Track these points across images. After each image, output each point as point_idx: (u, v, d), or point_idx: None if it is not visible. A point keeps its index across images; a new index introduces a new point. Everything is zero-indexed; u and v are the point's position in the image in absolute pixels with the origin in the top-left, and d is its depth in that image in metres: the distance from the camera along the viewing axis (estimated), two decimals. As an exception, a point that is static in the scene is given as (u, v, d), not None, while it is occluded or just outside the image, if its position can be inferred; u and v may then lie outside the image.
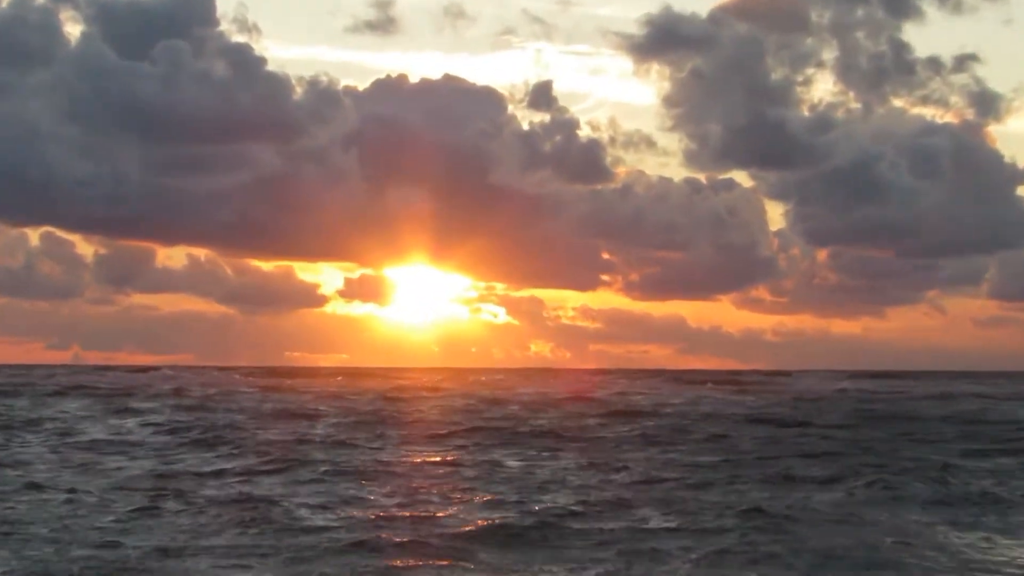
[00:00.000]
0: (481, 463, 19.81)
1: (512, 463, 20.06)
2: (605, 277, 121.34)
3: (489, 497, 15.19)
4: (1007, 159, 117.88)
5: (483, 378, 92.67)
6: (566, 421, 32.07)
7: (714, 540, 11.68)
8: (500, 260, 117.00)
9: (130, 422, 29.80)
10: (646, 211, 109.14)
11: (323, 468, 18.64)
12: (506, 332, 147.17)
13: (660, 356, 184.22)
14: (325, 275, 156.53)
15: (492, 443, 23.82)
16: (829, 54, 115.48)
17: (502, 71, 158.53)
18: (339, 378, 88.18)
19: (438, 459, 20.46)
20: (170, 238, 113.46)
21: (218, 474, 17.79)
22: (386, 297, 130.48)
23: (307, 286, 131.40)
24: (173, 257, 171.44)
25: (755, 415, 35.23)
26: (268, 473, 17.96)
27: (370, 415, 32.40)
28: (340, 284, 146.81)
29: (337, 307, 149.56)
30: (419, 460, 20.39)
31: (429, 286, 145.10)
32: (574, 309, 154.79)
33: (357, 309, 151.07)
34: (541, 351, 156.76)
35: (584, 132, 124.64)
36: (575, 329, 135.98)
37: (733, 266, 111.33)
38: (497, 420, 31.30)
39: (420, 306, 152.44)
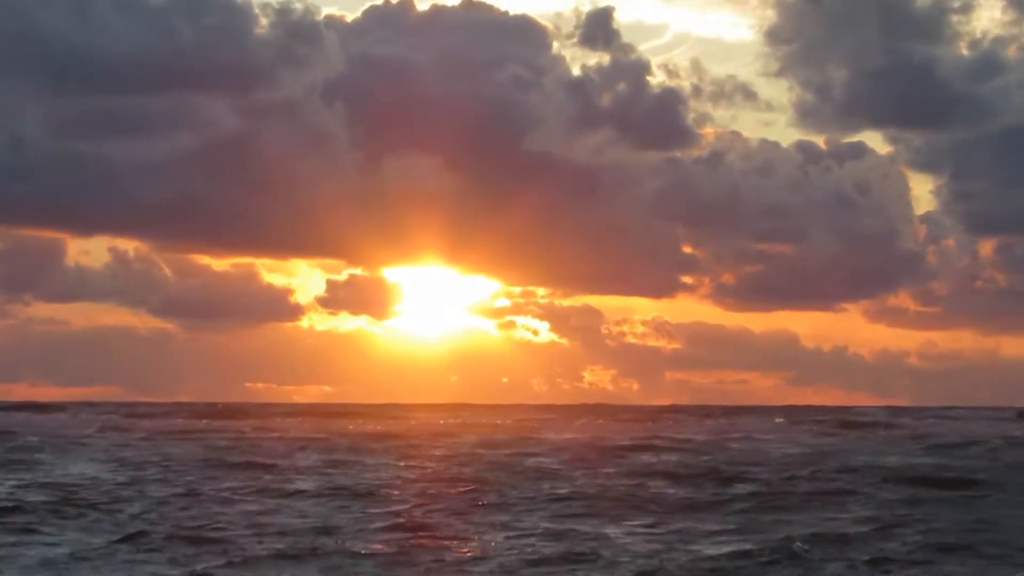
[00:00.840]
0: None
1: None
2: (687, 279, 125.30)
3: None
4: None
5: (514, 420, 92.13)
6: (626, 483, 30.97)
7: None
8: (542, 257, 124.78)
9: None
10: (743, 188, 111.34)
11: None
12: (550, 355, 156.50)
13: (763, 388, 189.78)
14: (301, 277, 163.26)
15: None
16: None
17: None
18: (309, 422, 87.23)
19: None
20: (85, 226, 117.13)
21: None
22: (384, 308, 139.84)
23: (275, 292, 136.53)
24: (90, 252, 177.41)
25: (927, 475, 33.49)
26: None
27: (349, 492, 28.65)
28: (321, 289, 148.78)
29: (316, 321, 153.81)
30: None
31: (443, 293, 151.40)
32: (644, 323, 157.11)
33: (344, 323, 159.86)
34: (598, 381, 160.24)
35: (657, 79, 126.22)
36: (645, 351, 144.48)
37: (864, 264, 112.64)
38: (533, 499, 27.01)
39: (431, 320, 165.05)
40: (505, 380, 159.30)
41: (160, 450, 44.72)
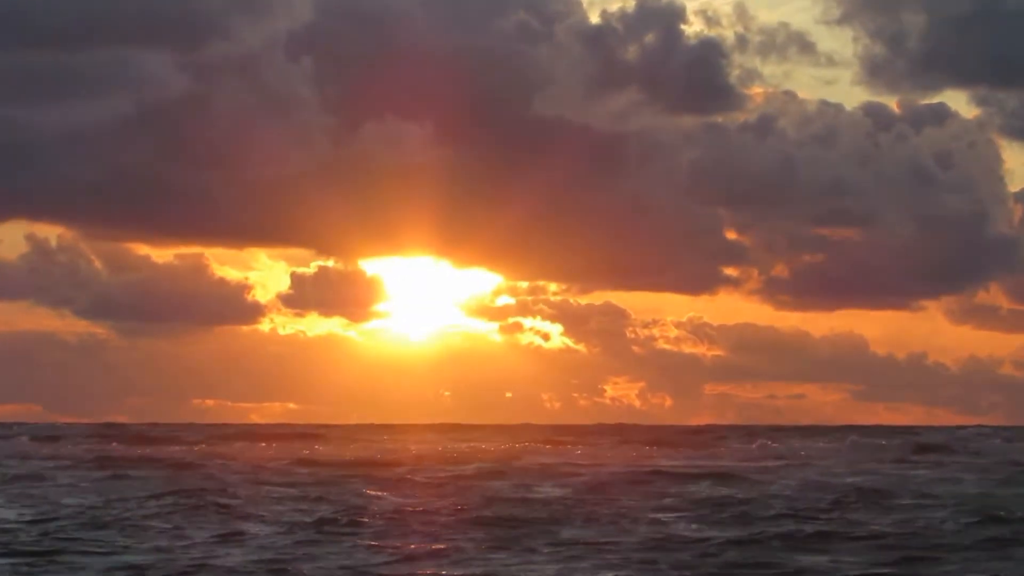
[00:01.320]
0: None
1: None
2: (730, 271, 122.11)
3: None
4: None
5: (522, 444, 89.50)
6: (688, 533, 28.86)
7: None
8: (554, 245, 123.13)
9: None
10: (799, 160, 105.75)
11: None
12: (564, 364, 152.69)
13: (823, 404, 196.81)
14: (260, 270, 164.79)
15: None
16: None
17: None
18: (263, 444, 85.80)
19: None
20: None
21: None
22: (361, 308, 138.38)
23: (229, 289, 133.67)
24: (3, 240, 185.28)
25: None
26: None
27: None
28: (284, 285, 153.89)
29: (279, 323, 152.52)
30: None
31: (434, 290, 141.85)
32: (678, 325, 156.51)
33: (313, 327, 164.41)
34: (623, 395, 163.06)
35: (694, 28, 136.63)
36: (680, 359, 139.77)
37: (946, 252, 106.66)
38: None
39: (418, 323, 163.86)
40: (509, 395, 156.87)
41: (77, 483, 42.93)
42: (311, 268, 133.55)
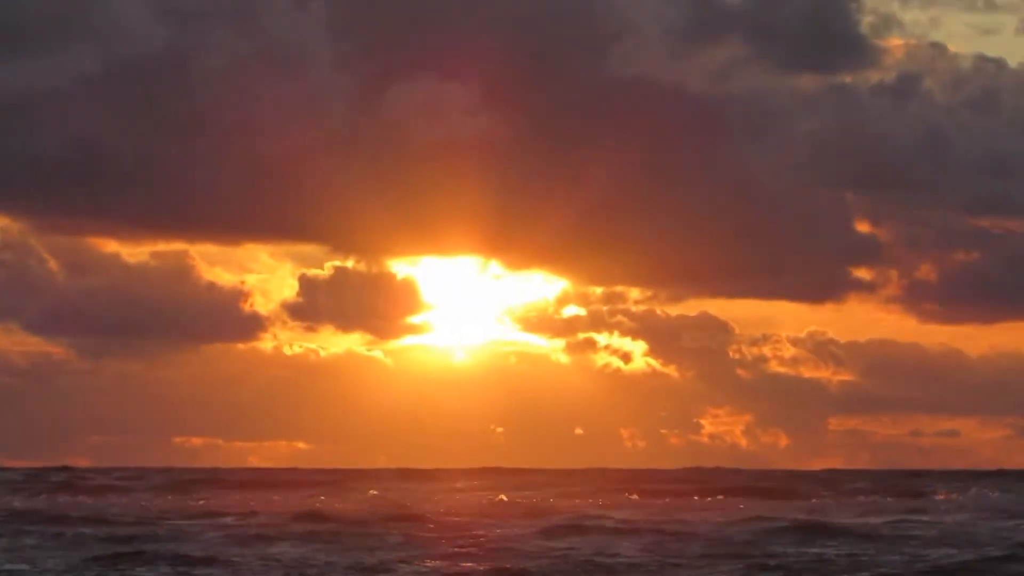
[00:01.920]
0: None
1: None
2: (861, 274, 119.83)
3: None
4: None
5: (597, 495, 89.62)
6: None
7: None
8: (635, 240, 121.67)
9: None
10: (951, 131, 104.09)
11: None
12: (649, 391, 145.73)
13: (983, 442, 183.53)
14: (260, 272, 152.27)
15: None
16: None
17: None
18: (263, 494, 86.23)
19: None
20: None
21: None
22: (389, 320, 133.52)
23: (221, 296, 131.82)
24: None
25: None
26: None
27: None
28: (291, 291, 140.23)
29: (285, 339, 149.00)
30: None
31: (482, 297, 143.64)
32: (796, 342, 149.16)
33: (327, 344, 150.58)
34: (725, 432, 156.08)
35: None
36: (798, 385, 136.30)
37: None
38: None
39: (462, 339, 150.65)
40: (579, 432, 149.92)
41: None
42: (325, 270, 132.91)
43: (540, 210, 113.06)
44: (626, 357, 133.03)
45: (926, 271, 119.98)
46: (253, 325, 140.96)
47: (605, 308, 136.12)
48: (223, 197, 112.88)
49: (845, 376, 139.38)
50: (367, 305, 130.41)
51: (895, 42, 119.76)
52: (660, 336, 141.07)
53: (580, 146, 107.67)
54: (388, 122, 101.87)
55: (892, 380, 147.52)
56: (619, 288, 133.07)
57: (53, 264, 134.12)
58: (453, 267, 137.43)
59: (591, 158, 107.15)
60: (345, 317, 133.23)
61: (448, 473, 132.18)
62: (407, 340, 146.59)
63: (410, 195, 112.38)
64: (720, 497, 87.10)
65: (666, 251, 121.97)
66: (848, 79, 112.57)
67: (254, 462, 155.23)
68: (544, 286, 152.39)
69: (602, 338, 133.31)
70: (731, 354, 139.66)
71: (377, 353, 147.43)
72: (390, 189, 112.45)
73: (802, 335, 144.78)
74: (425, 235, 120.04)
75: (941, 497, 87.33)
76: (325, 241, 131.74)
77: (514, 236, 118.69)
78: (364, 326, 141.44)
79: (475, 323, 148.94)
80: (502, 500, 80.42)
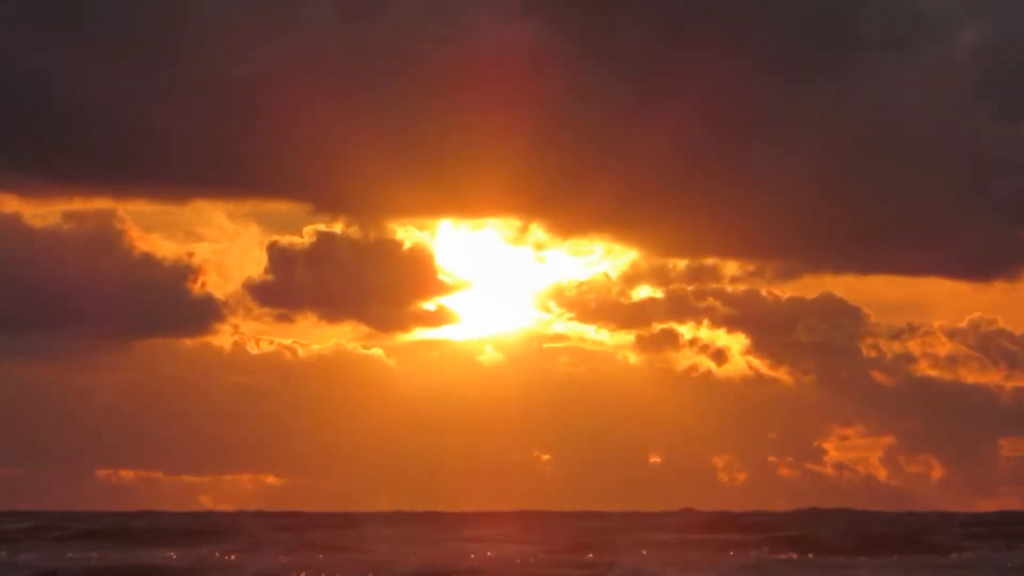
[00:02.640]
0: None
1: None
2: None
3: None
4: None
5: (681, 559, 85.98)
6: None
7: None
8: (731, 196, 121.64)
9: None
10: None
11: None
12: (752, 402, 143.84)
13: None
14: (214, 240, 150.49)
15: None
16: None
17: None
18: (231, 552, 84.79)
19: None
20: None
21: None
22: (395, 306, 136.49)
23: (160, 271, 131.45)
24: None
25: None
26: None
27: None
28: (258, 266, 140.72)
29: (250, 331, 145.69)
30: None
31: (521, 274, 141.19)
32: (953, 335, 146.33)
33: (309, 338, 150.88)
34: (857, 458, 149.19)
35: None
36: (958, 393, 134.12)
37: None
38: None
39: (494, 332, 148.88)
40: (656, 460, 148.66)
41: None
42: (304, 237, 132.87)
43: (600, 155, 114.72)
44: (720, 356, 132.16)
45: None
46: (205, 313, 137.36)
47: (690, 288, 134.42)
48: (162, 137, 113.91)
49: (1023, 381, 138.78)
50: (362, 285, 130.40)
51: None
52: (767, 327, 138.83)
53: (656, 65, 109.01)
54: (390, 30, 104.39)
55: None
56: (709, 261, 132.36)
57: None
58: (480, 233, 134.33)
59: (669, 81, 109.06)
60: (332, 302, 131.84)
61: (474, 519, 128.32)
62: (417, 334, 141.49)
63: (422, 133, 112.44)
64: (856, 557, 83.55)
65: (774, 209, 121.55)
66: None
67: (206, 502, 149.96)
68: (605, 260, 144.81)
69: (686, 330, 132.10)
70: (864, 351, 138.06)
71: (376, 351, 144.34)
72: (394, 125, 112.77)
73: (962, 325, 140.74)
74: (442, 189, 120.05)
75: None
76: (304, 197, 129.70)
77: (564, 191, 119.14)
78: (358, 314, 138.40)
79: (511, 310, 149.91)
80: (546, 558, 79.41)
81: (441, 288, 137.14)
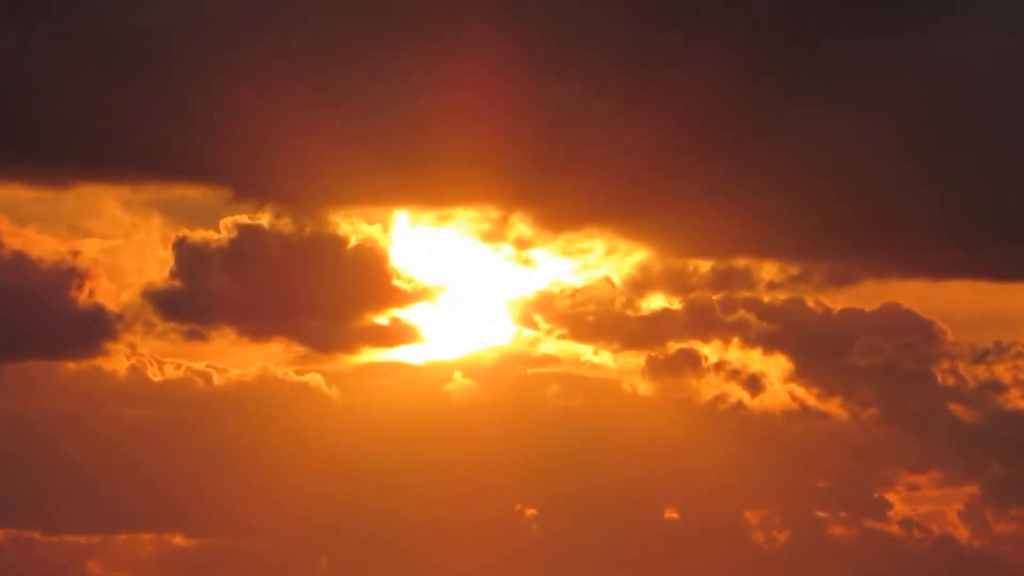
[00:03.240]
0: None
1: None
2: None
3: None
4: None
5: None
6: None
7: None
8: (766, 179, 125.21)
9: None
10: None
11: None
12: (797, 442, 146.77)
13: None
14: (104, 234, 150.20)
15: None
16: None
17: None
18: None
19: None
20: None
21: None
22: (335, 320, 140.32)
23: (37, 274, 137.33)
24: None
25: None
26: None
27: None
28: (162, 268, 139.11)
29: (150, 351, 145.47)
30: None
31: (496, 279, 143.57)
32: None
33: (229, 361, 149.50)
34: (931, 513, 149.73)
35: None
36: None
37: None
38: None
39: (461, 352, 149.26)
40: (672, 516, 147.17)
41: None
42: (220, 231, 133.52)
43: (600, 125, 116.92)
44: (754, 384, 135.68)
45: None
46: (94, 329, 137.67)
47: (716, 298, 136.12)
48: (38, 104, 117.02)
49: None
50: (296, 293, 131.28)
51: None
52: (814, 346, 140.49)
53: (669, 20, 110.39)
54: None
55: None
56: (741, 262, 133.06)
57: None
58: (447, 227, 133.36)
59: (692, 29, 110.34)
60: (256, 315, 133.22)
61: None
62: (366, 356, 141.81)
63: (372, 96, 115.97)
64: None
65: (825, 196, 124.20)
66: None
67: (97, 571, 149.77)
68: (606, 260, 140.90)
69: (711, 350, 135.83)
70: (940, 378, 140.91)
71: (313, 378, 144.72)
72: (336, 85, 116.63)
73: None
74: (398, 170, 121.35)
75: None
76: (221, 180, 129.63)
77: (554, 172, 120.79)
78: (290, 331, 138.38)
79: (486, 326, 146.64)
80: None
81: (397, 297, 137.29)
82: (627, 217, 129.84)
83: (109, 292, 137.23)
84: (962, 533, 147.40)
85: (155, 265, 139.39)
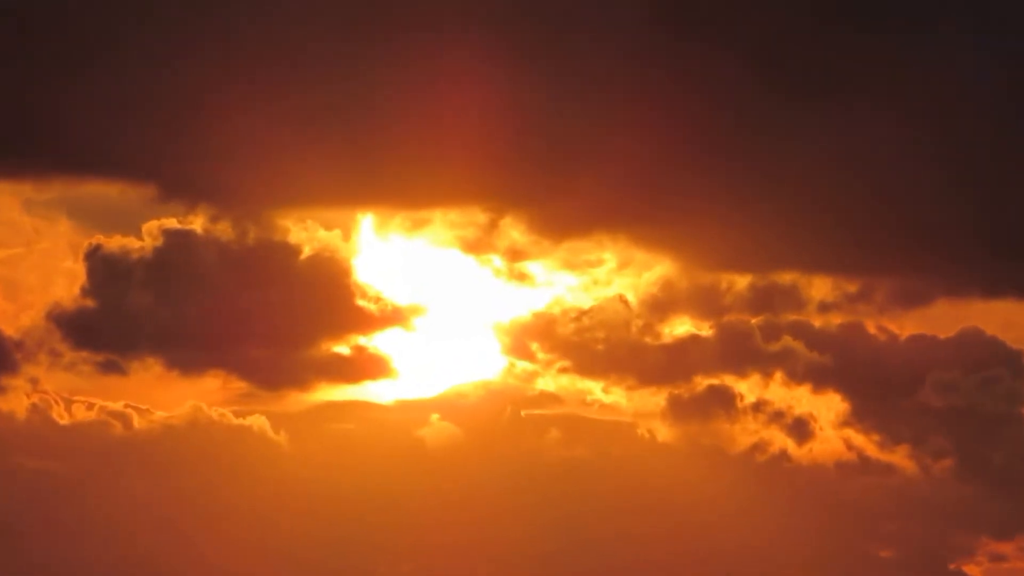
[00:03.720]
0: None
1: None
2: None
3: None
4: None
5: None
6: None
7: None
8: (818, 177, 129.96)
9: None
10: None
11: None
12: (857, 502, 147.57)
13: None
14: (1, 238, 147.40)
15: None
16: None
17: None
18: None
19: None
20: None
21: None
22: (283, 349, 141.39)
23: None
24: None
25: None
26: None
27: None
28: (70, 282, 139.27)
29: (56, 387, 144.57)
30: None
31: (481, 298, 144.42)
32: None
33: (149, 399, 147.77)
34: None
35: None
36: None
37: None
38: None
39: (436, 389, 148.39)
40: None
41: None
42: (143, 238, 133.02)
43: (610, 111, 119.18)
44: (801, 429, 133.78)
45: None
46: None
47: (755, 321, 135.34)
48: None
49: None
50: (236, 315, 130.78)
51: None
52: (876, 382, 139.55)
53: None
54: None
55: None
56: (786, 277, 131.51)
57: None
58: (423, 234, 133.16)
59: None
60: (188, 342, 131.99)
61: None
62: (322, 393, 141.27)
63: (330, 77, 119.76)
64: None
65: (889, 197, 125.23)
66: None
67: None
68: (619, 276, 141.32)
69: (748, 387, 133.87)
70: None
71: (257, 421, 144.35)
72: (286, 62, 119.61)
73: None
74: (362, 165, 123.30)
75: None
76: (144, 176, 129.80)
77: (554, 166, 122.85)
78: (229, 362, 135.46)
79: (470, 356, 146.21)
80: None
81: (361, 321, 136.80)
82: (645, 221, 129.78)
83: (6, 314, 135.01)
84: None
85: (62, 280, 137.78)
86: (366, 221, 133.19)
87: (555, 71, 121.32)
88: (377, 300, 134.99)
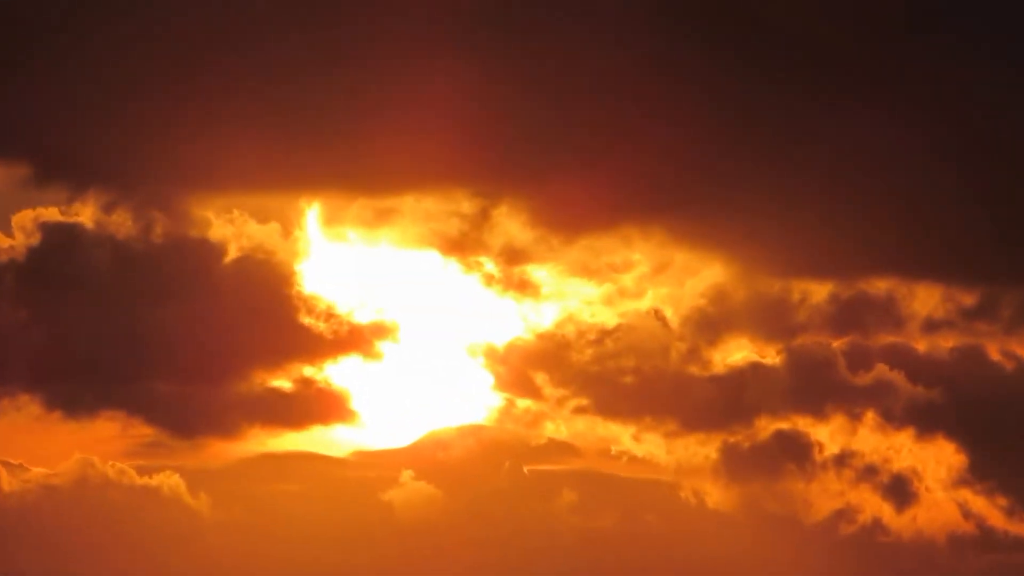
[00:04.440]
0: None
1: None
2: None
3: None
4: None
5: None
6: None
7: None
8: (916, 172, 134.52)
9: None
10: None
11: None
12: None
13: None
14: None
15: None
16: None
17: None
18: None
19: None
20: None
21: None
22: (197, 382, 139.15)
23: None
24: None
25: None
26: None
27: None
28: None
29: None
30: None
31: (467, 317, 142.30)
32: None
33: (20, 448, 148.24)
34: None
35: None
36: None
37: None
38: None
39: (413, 435, 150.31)
40: None
41: None
42: (15, 235, 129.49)
43: (636, 79, 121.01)
44: (901, 489, 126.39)
45: None
46: None
47: (837, 345, 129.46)
48: None
49: None
50: (140, 337, 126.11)
51: None
52: (1001, 425, 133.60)
53: None
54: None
55: None
56: (879, 285, 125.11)
57: None
58: (391, 229, 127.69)
59: None
60: (74, 373, 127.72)
61: None
62: (256, 443, 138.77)
63: (265, 31, 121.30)
64: None
65: (1013, 182, 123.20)
66: None
67: None
68: (651, 284, 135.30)
69: (827, 434, 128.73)
70: None
71: (169, 480, 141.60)
72: (205, 20, 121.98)
73: None
74: (311, 135, 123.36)
75: None
76: (15, 153, 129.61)
77: (564, 139, 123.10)
78: (130, 402, 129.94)
79: (454, 392, 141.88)
80: None
81: (307, 344, 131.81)
82: (687, 211, 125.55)
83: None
84: None
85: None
86: (312, 212, 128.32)
87: (560, 26, 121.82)
88: (328, 317, 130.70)
